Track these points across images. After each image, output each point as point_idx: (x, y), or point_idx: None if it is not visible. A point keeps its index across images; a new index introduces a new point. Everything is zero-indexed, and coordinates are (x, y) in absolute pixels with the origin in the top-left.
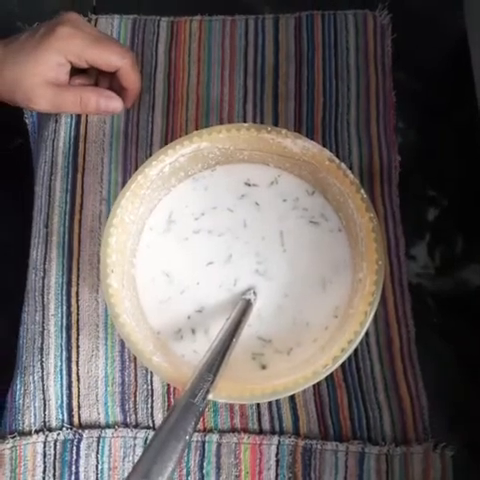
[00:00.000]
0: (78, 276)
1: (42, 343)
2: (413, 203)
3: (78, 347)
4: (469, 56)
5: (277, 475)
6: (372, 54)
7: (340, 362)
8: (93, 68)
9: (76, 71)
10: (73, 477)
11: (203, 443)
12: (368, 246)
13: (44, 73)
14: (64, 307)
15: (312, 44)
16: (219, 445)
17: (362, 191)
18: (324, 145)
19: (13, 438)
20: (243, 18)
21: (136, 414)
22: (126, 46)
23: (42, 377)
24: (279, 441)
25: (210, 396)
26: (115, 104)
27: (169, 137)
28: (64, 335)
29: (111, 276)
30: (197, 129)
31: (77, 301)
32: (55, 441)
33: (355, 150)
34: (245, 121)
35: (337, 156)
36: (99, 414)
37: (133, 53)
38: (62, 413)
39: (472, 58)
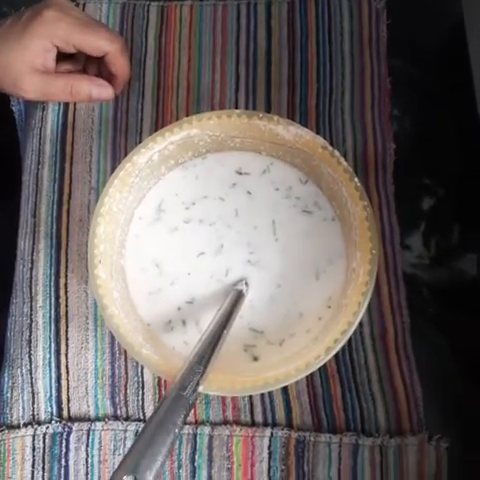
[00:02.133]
0: (66, 267)
1: (30, 335)
2: (408, 192)
3: (67, 339)
4: (466, 42)
5: (270, 467)
6: (367, 40)
7: (333, 353)
8: (81, 53)
9: (63, 56)
10: (62, 470)
11: (195, 435)
12: (362, 235)
13: (31, 59)
14: (52, 299)
15: (305, 29)
16: (211, 437)
17: (356, 179)
18: (318, 132)
19: (1, 432)
20: (235, 3)
21: (126, 407)
22: (115, 31)
23: (30, 370)
24: (272, 433)
25: (200, 388)
26: (107, 92)
27: (159, 124)
28: (53, 327)
29: (99, 267)
30: (188, 116)
31: (66, 293)
32: (44, 434)
33: (349, 137)
34: (237, 108)
35: (331, 143)
36: (89, 407)
37: (122, 38)
38: (51, 406)
39: (469, 44)
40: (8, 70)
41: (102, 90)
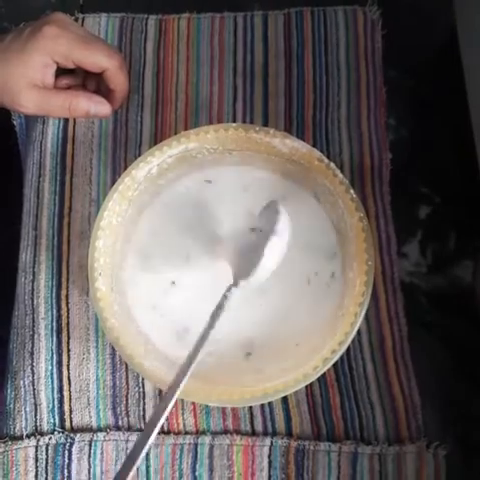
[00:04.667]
0: (68, 279)
1: (32, 347)
2: (405, 201)
3: (69, 350)
4: (460, 51)
5: (270, 476)
6: (362, 50)
7: (331, 363)
8: (80, 68)
9: (62, 71)
10: None
11: (196, 445)
12: (358, 246)
13: (30, 75)
14: (54, 310)
15: (301, 41)
16: (212, 447)
17: (352, 191)
18: (314, 143)
19: (5, 443)
20: (232, 15)
21: (128, 417)
22: (114, 47)
23: (33, 381)
24: (272, 442)
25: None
26: (105, 109)
27: (158, 137)
28: (54, 339)
29: (99, 280)
30: (186, 128)
31: (67, 304)
32: (47, 445)
33: (346, 148)
34: (235, 120)
35: (328, 154)
36: (91, 417)
37: (121, 54)
38: (53, 417)
39: (461, 54)
40: (7, 85)
41: (100, 107)
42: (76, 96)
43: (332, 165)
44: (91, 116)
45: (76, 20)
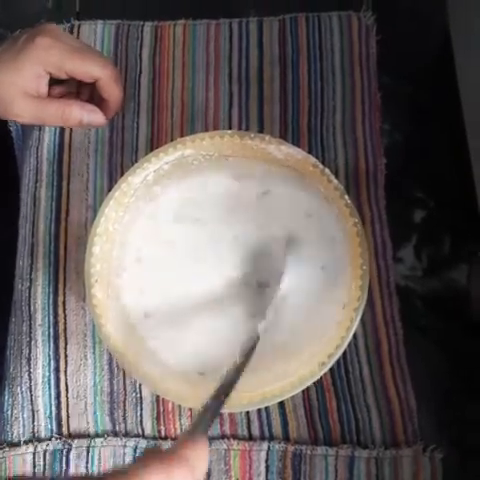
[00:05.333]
0: (65, 285)
1: (29, 353)
2: (400, 205)
3: (66, 357)
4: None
5: None
6: (357, 55)
7: (327, 368)
8: (73, 78)
9: (56, 80)
10: None
11: None
12: (353, 251)
13: (24, 85)
14: (51, 317)
15: (296, 47)
16: (209, 452)
17: (346, 196)
18: (310, 149)
19: (2, 449)
20: (227, 22)
21: (125, 423)
22: (107, 57)
23: (30, 388)
24: (269, 447)
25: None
26: (98, 118)
27: (154, 143)
28: (52, 345)
29: (96, 286)
30: (182, 135)
31: (64, 310)
32: (44, 451)
33: (341, 153)
34: (230, 125)
35: (323, 160)
36: (88, 423)
37: (113, 65)
38: (51, 423)
39: (455, 59)
40: (1, 95)
41: (93, 116)
42: (69, 105)
43: (327, 171)
44: (85, 125)
45: (72, 27)
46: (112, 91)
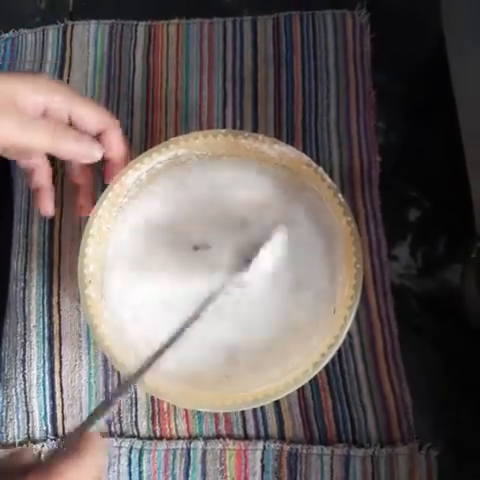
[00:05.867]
0: (59, 286)
1: (24, 355)
2: (395, 204)
3: (61, 357)
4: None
5: None
6: (351, 54)
7: (321, 367)
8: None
9: None
10: None
11: (188, 450)
12: (347, 250)
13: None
14: (46, 318)
15: (290, 45)
16: (204, 452)
17: (340, 195)
18: (304, 147)
19: None
20: (221, 21)
21: (120, 423)
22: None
23: (25, 389)
24: (264, 446)
25: None
26: (96, 152)
27: (148, 142)
28: (46, 346)
29: (89, 287)
30: (177, 134)
31: (59, 311)
32: (39, 453)
33: (335, 152)
34: (224, 124)
35: (317, 158)
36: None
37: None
38: (46, 424)
39: (449, 60)
40: None
41: (91, 147)
42: (61, 124)
43: (320, 170)
44: (79, 156)
45: (65, 27)
46: (117, 146)
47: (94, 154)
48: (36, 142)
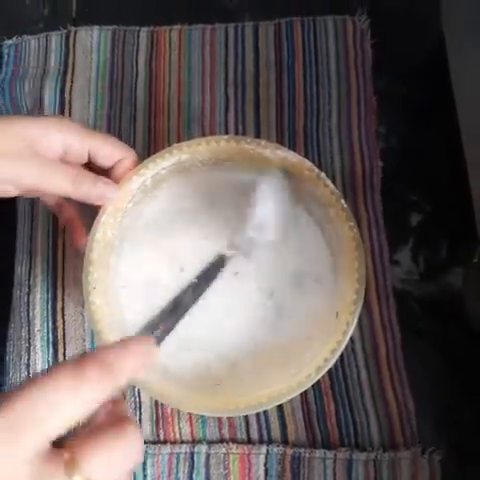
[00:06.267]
0: (63, 291)
1: (29, 359)
2: (395, 208)
3: None
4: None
5: None
6: (352, 59)
7: (324, 372)
8: None
9: None
10: None
11: (192, 454)
12: (349, 255)
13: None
14: (50, 322)
15: (292, 51)
16: (208, 456)
17: (342, 201)
18: (306, 153)
19: None
20: (223, 26)
21: None
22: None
23: None
24: (267, 450)
25: None
26: (112, 192)
27: (152, 147)
28: (51, 351)
29: (93, 293)
30: (179, 139)
31: (63, 316)
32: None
33: (337, 157)
34: (227, 129)
35: (319, 163)
36: None
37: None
38: None
39: (450, 64)
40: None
41: (107, 188)
42: (81, 169)
43: (322, 175)
44: (94, 197)
45: (68, 33)
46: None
47: (109, 196)
48: (57, 189)
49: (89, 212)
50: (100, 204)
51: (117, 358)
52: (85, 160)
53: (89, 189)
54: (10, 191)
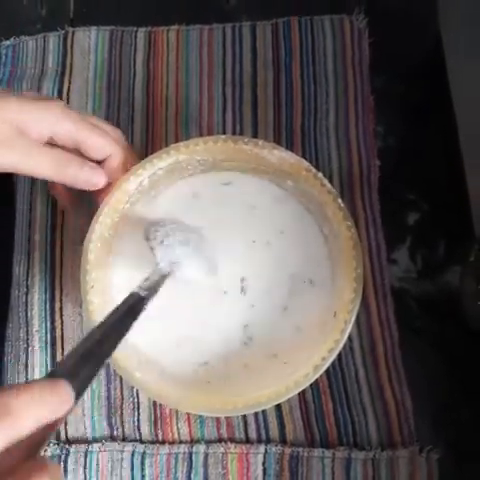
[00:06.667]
0: (61, 291)
1: (27, 360)
2: (393, 207)
3: None
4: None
5: None
6: (350, 59)
7: (321, 371)
8: None
9: None
10: None
11: (190, 454)
12: (347, 254)
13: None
14: (48, 323)
15: (289, 50)
16: (206, 455)
17: (339, 200)
18: (303, 152)
19: None
20: (220, 27)
21: (123, 427)
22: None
23: None
24: (266, 450)
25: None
26: (99, 179)
27: (149, 148)
28: (49, 351)
29: (91, 293)
30: (177, 139)
31: (61, 316)
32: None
33: (334, 156)
34: (224, 129)
35: (317, 163)
36: (86, 428)
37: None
38: None
39: (447, 63)
40: None
41: (93, 173)
42: (67, 153)
43: (320, 175)
44: (80, 182)
45: (66, 34)
46: (116, 174)
47: (95, 181)
48: (39, 171)
49: (86, 212)
50: (86, 189)
51: (19, 404)
52: (73, 146)
53: (75, 172)
54: None
